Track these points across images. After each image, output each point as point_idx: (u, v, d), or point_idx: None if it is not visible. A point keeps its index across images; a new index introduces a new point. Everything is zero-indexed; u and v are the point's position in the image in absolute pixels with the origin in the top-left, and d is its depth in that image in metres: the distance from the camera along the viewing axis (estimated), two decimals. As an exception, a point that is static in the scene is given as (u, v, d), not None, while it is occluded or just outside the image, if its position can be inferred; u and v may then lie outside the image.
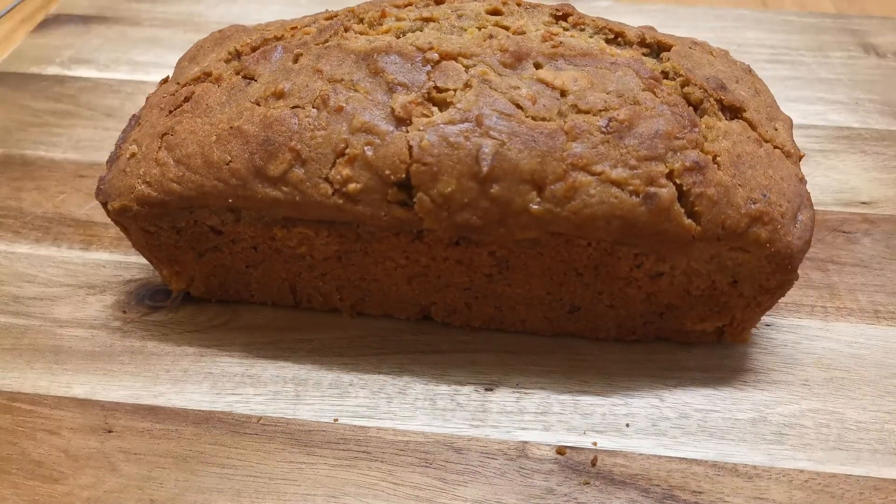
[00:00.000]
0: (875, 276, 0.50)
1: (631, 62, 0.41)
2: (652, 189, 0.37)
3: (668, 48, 0.43)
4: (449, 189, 0.38)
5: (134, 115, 0.46)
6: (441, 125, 0.38)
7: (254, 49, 0.44)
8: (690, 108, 0.40)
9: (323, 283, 0.46)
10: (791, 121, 0.44)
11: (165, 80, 0.47)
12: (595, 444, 0.42)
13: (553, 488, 0.40)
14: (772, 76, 0.68)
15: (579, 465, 0.41)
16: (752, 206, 0.38)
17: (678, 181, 0.38)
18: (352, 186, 0.39)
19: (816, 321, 0.48)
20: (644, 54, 0.43)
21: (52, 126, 0.64)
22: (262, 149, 0.39)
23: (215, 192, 0.40)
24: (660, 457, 0.41)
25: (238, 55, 0.45)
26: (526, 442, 0.42)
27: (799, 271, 0.50)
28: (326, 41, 0.43)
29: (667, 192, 0.37)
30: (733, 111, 0.41)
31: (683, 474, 0.40)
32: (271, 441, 0.42)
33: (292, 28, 0.45)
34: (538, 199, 0.38)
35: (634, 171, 0.37)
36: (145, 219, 0.42)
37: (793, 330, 0.47)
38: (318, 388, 0.44)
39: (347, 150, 0.39)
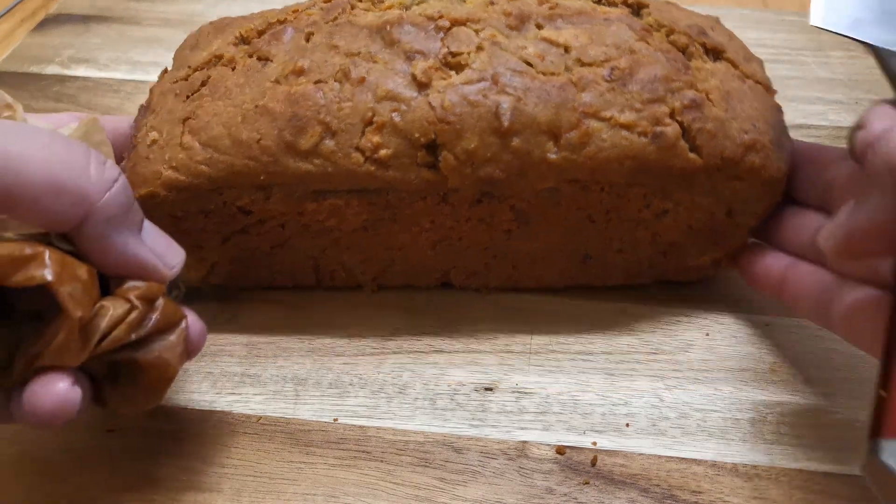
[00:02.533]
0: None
1: (623, 17, 0.44)
2: (658, 128, 0.40)
3: (646, 6, 0.46)
4: (472, 145, 0.40)
5: (142, 106, 0.45)
6: (460, 86, 0.40)
7: (260, 33, 0.45)
8: (679, 53, 0.43)
9: (348, 257, 0.47)
10: (762, 61, 0.48)
11: (165, 72, 0.47)
12: (595, 443, 0.42)
13: (553, 488, 0.40)
14: (772, 76, 0.68)
15: (579, 465, 0.41)
16: (745, 136, 0.42)
17: (680, 119, 0.41)
18: (383, 153, 0.40)
19: (816, 321, 0.48)
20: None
21: (52, 125, 0.64)
22: (291, 124, 0.40)
23: (246, 171, 0.41)
24: (659, 456, 0.41)
25: (245, 40, 0.45)
26: (525, 442, 0.42)
27: (799, 271, 0.50)
28: (335, 19, 0.44)
29: (671, 129, 0.40)
30: (716, 53, 0.45)
31: (683, 474, 0.40)
32: (271, 440, 0.42)
33: (294, 11, 0.46)
34: (555, 149, 0.40)
35: (640, 114, 0.40)
36: (173, 204, 0.42)
37: (793, 330, 0.47)
38: (318, 388, 0.45)
39: (375, 119, 0.40)
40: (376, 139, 0.40)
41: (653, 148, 0.40)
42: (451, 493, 0.40)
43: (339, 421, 0.43)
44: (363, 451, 0.41)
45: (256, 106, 0.41)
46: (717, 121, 0.41)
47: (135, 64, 0.71)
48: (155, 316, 0.34)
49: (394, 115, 0.40)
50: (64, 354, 0.31)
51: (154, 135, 0.43)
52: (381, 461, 0.41)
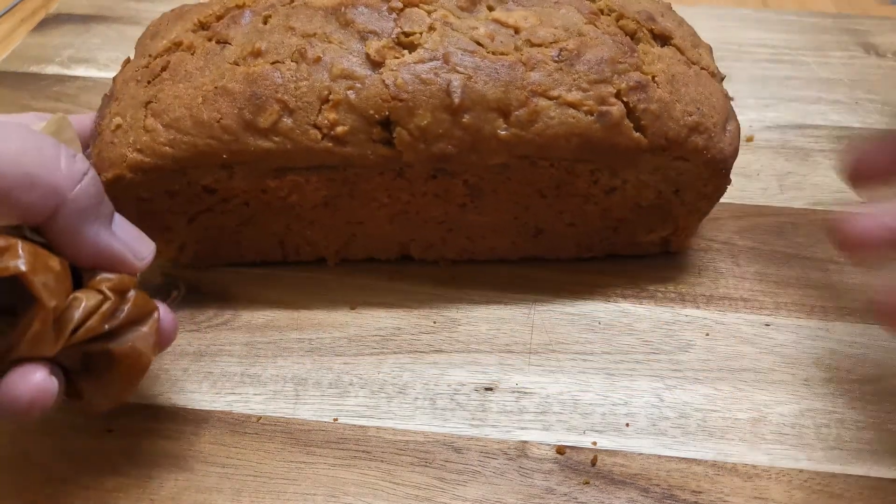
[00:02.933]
0: (875, 276, 0.50)
1: (572, 0, 0.46)
2: (604, 108, 0.42)
3: None
4: (425, 122, 0.41)
5: (106, 95, 0.46)
6: (412, 64, 0.42)
7: (219, 18, 0.46)
8: (627, 37, 0.45)
9: (311, 232, 0.49)
10: (710, 47, 0.50)
11: (128, 61, 0.48)
12: (595, 443, 0.42)
13: (553, 488, 0.40)
14: (772, 76, 0.68)
15: (579, 465, 0.41)
16: (689, 118, 0.43)
17: (625, 99, 0.42)
18: (339, 129, 0.41)
19: (816, 321, 0.48)
20: None
21: (52, 125, 0.64)
22: (251, 103, 0.42)
23: (209, 150, 0.42)
24: (659, 456, 0.41)
25: (203, 26, 0.46)
26: (526, 441, 0.42)
27: (799, 271, 0.51)
28: (292, 2, 0.46)
29: (617, 109, 0.42)
30: (663, 39, 0.46)
31: (683, 474, 0.40)
32: (271, 440, 0.42)
33: None
34: (505, 125, 0.42)
35: (587, 94, 0.42)
36: (139, 186, 0.43)
37: (793, 330, 0.47)
38: (318, 388, 0.44)
39: (331, 97, 0.42)
40: (333, 116, 0.41)
41: (598, 126, 0.42)
42: (452, 493, 0.40)
43: (340, 421, 0.43)
44: (363, 451, 0.41)
45: (216, 87, 0.42)
46: (662, 102, 0.43)
47: (135, 64, 0.71)
48: (127, 307, 0.34)
49: (349, 92, 0.41)
50: (39, 344, 0.31)
51: (118, 120, 0.43)
52: (382, 461, 0.41)
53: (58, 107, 0.65)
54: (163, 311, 0.36)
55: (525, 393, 0.44)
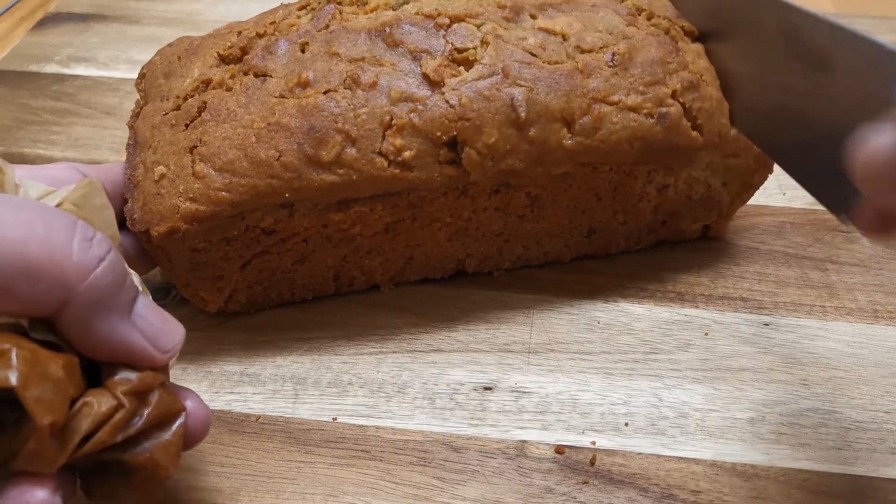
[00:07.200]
0: (874, 275, 0.51)
1: (607, 3, 0.46)
2: (663, 109, 0.42)
3: None
4: (493, 139, 0.41)
5: (129, 144, 0.44)
6: (473, 81, 0.41)
7: (243, 50, 0.44)
8: (665, 35, 0.45)
9: (369, 261, 0.47)
10: None
11: (139, 105, 0.45)
12: (594, 443, 0.42)
13: (552, 487, 0.40)
14: (771, 76, 0.68)
15: (578, 465, 0.41)
16: None
17: (681, 100, 0.43)
18: (406, 154, 0.40)
19: (815, 321, 0.48)
20: None
21: (51, 124, 0.64)
22: (310, 137, 0.40)
23: (270, 191, 0.40)
24: (658, 456, 0.41)
25: (226, 59, 0.44)
26: (525, 441, 0.42)
27: (798, 270, 0.51)
28: (327, 26, 0.43)
29: (675, 109, 0.43)
30: (692, 35, 0.46)
31: (682, 473, 0.40)
32: (270, 440, 0.42)
33: (271, 23, 0.45)
34: (569, 135, 0.42)
35: (645, 96, 0.42)
36: (195, 236, 0.41)
37: (792, 329, 0.47)
38: (317, 387, 0.44)
39: (394, 121, 0.40)
40: (398, 142, 0.40)
41: (659, 128, 0.42)
42: (451, 493, 0.40)
43: (339, 420, 0.43)
44: (362, 451, 0.41)
45: (268, 123, 0.40)
46: (713, 100, 0.44)
47: (134, 63, 0.71)
48: (147, 411, 0.30)
49: (412, 115, 0.40)
50: (36, 461, 0.28)
51: (161, 169, 0.41)
52: (381, 460, 0.41)
53: (57, 106, 0.65)
54: (194, 405, 0.33)
55: (524, 392, 0.44)
